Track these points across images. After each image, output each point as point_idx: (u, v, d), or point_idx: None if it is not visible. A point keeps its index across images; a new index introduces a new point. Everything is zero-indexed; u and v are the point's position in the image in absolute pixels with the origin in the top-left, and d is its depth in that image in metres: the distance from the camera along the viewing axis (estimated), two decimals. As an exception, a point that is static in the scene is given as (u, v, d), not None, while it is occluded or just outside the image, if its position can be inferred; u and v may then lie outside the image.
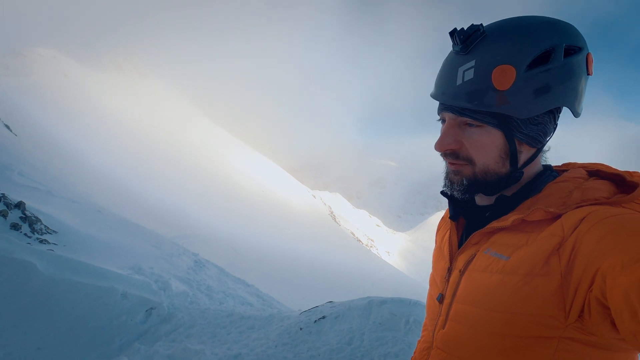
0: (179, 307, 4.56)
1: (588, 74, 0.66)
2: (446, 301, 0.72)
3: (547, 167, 0.74)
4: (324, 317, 3.94)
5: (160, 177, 26.20)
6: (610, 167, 0.69)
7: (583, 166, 0.73)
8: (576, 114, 0.68)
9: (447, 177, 0.74)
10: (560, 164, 0.78)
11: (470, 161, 0.68)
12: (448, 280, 0.74)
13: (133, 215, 10.51)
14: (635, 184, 0.63)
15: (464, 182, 0.71)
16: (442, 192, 0.80)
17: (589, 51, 0.66)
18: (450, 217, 0.80)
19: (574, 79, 0.64)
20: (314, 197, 66.97)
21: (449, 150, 0.70)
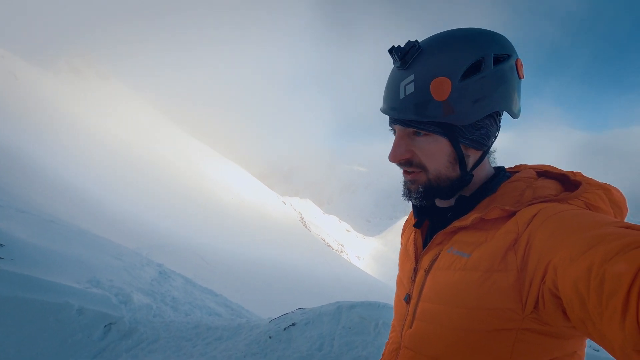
0: (141, 321, 4.33)
1: (520, 78, 0.72)
2: (413, 301, 0.74)
3: (501, 169, 0.79)
4: (293, 324, 3.90)
5: (121, 184, 24.92)
6: (556, 168, 0.76)
7: (532, 167, 0.79)
8: (514, 115, 0.73)
9: (405, 186, 0.78)
10: (512, 166, 0.83)
11: (423, 168, 0.72)
12: (414, 281, 0.76)
13: (91, 225, 9.93)
14: (578, 183, 0.68)
15: (420, 189, 0.74)
16: (404, 197, 0.83)
17: (518, 57, 0.71)
18: (414, 225, 0.83)
19: (506, 84, 0.69)
20: (284, 203, 66.58)
21: (402, 160, 0.73)
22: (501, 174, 0.76)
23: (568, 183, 0.71)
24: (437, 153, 0.71)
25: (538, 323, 0.58)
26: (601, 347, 0.48)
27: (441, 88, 0.65)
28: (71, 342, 3.64)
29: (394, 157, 0.73)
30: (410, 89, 0.68)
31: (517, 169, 0.80)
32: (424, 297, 0.71)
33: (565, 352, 0.61)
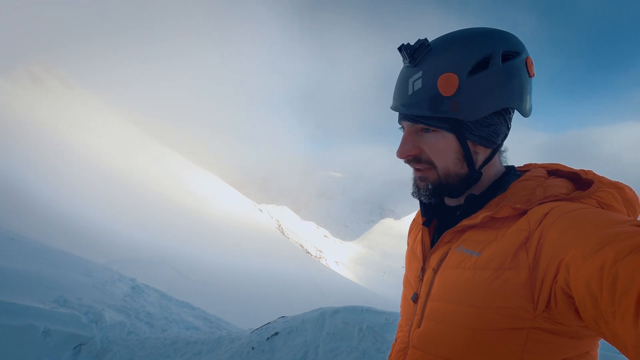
0: (114, 340, 4.11)
1: (530, 76, 0.71)
2: (421, 300, 0.73)
3: (511, 167, 0.79)
4: (276, 334, 3.82)
5: (87, 195, 23.74)
6: (567, 167, 0.76)
7: (542, 166, 0.79)
8: (524, 113, 0.73)
9: (415, 183, 0.77)
10: (522, 165, 0.84)
11: (431, 165, 0.72)
12: (422, 280, 0.75)
13: (56, 241, 9.38)
14: (590, 181, 0.68)
15: (429, 186, 0.74)
16: (413, 194, 0.83)
17: (529, 55, 0.71)
18: (424, 224, 0.82)
19: (514, 81, 0.69)
20: (261, 211, 65.90)
21: (410, 156, 0.74)
22: (511, 172, 0.76)
23: (579, 182, 0.71)
24: (444, 149, 0.71)
25: (550, 322, 0.57)
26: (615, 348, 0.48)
27: (448, 83, 0.66)
28: (37, 368, 3.39)
29: (401, 153, 0.73)
30: (419, 85, 0.69)
31: (527, 168, 0.80)
32: (433, 296, 0.70)
33: (578, 352, 0.61)
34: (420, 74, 0.69)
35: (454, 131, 0.69)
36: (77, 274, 6.15)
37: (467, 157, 0.71)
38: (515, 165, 0.81)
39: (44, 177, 22.25)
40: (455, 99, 0.67)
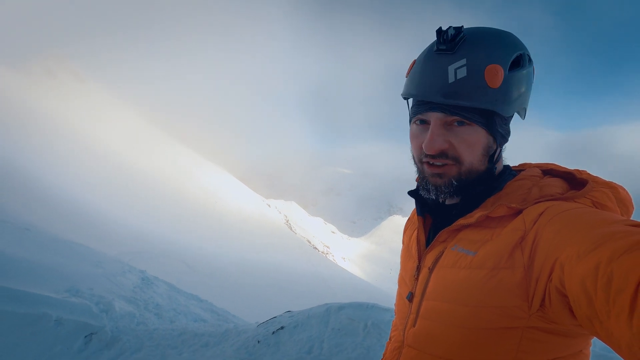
0: (123, 330, 4.20)
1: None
2: (416, 299, 0.73)
3: (506, 167, 0.78)
4: (282, 328, 3.86)
5: (99, 188, 24.15)
6: (561, 166, 0.76)
7: (537, 165, 0.78)
8: (525, 116, 0.74)
9: (427, 181, 0.72)
10: (516, 164, 0.83)
11: (457, 160, 0.69)
12: (417, 279, 0.74)
13: (69, 232, 9.59)
14: (585, 181, 0.68)
15: (454, 182, 0.70)
16: (410, 193, 0.82)
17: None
18: (418, 214, 0.82)
19: (531, 84, 0.71)
20: (269, 206, 66.24)
21: (439, 150, 0.69)
22: (506, 172, 0.76)
23: (574, 181, 0.71)
24: (475, 144, 0.68)
25: (544, 321, 0.57)
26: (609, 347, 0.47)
27: (496, 75, 0.64)
28: (49, 355, 3.49)
29: (432, 148, 0.68)
30: (462, 73, 0.64)
31: (522, 167, 0.80)
32: (428, 295, 0.70)
33: (571, 351, 0.61)
34: (464, 61, 0.65)
35: (487, 126, 0.67)
36: (89, 265, 6.29)
37: (492, 153, 0.70)
38: (511, 165, 0.81)
39: (57, 169, 22.68)
40: (499, 92, 0.65)
